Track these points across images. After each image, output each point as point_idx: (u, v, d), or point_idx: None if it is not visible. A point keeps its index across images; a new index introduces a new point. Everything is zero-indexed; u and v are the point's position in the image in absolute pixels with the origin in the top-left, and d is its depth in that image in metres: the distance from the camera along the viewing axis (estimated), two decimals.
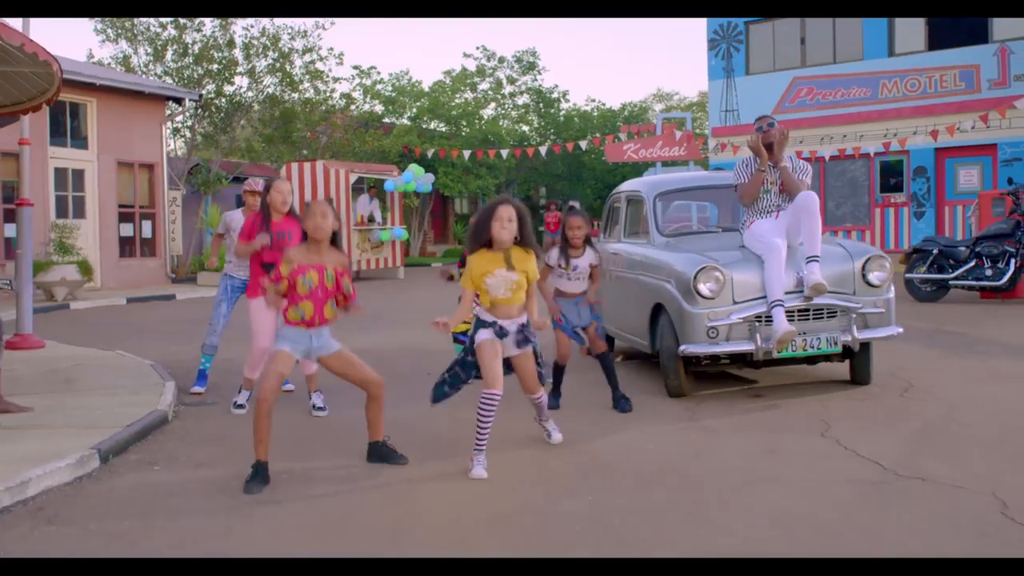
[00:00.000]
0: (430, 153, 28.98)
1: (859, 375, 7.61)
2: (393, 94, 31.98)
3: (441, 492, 5.02)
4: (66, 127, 19.67)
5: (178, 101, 21.99)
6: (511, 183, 34.19)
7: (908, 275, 14.16)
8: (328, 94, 27.11)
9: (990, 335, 10.32)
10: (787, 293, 7.05)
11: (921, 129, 22.19)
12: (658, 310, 7.59)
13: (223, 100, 24.49)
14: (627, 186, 9.23)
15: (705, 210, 11.27)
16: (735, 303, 7.09)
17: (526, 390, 5.70)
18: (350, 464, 5.59)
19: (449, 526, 4.49)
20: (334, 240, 5.38)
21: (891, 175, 23.47)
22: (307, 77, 25.62)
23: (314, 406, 7.11)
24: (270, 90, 25.07)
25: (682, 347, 7.11)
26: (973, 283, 13.52)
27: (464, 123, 32.56)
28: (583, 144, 27.64)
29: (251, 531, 4.45)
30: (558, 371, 7.27)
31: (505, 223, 5.25)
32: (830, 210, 24.37)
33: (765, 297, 7.05)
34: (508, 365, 5.53)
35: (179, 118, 24.59)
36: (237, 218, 7.89)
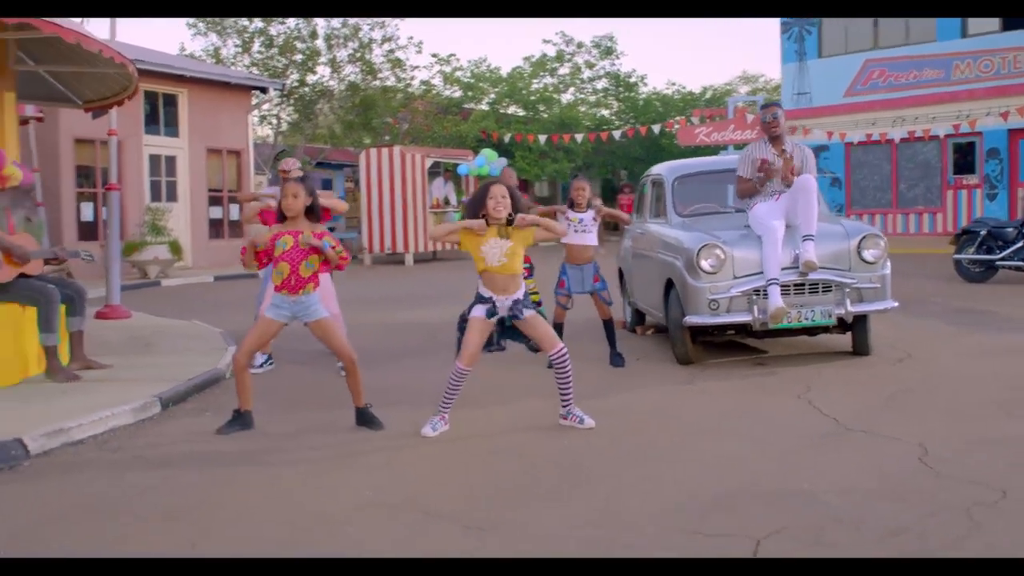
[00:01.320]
0: (507, 138, 29.75)
1: (859, 346, 8.12)
2: (472, 80, 32.83)
3: (441, 449, 5.79)
4: (159, 117, 21.03)
5: (263, 90, 23.22)
6: (589, 166, 34.76)
7: (957, 256, 14.38)
8: (408, 81, 28.10)
9: (1019, 313, 10.61)
10: (784, 269, 7.62)
11: (994, 110, 22.07)
12: (671, 285, 8.23)
13: (306, 89, 25.65)
14: (653, 170, 9.86)
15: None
16: (735, 278, 7.69)
17: (544, 349, 5.89)
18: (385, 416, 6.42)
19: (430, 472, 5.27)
20: (311, 213, 6.04)
21: (963, 156, 23.38)
22: (387, 65, 26.61)
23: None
24: (351, 78, 26.13)
25: (686, 318, 7.75)
26: (1020, 263, 13.69)
27: (543, 107, 33.26)
28: (656, 128, 28.06)
29: (263, 464, 5.30)
30: (557, 330, 8.08)
31: (499, 199, 5.83)
32: (901, 192, 24.40)
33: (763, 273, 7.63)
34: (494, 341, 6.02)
35: (265, 106, 25.85)
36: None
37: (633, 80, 35.90)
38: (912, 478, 4.65)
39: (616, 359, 8.16)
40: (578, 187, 8.15)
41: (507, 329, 5.99)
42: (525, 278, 8.91)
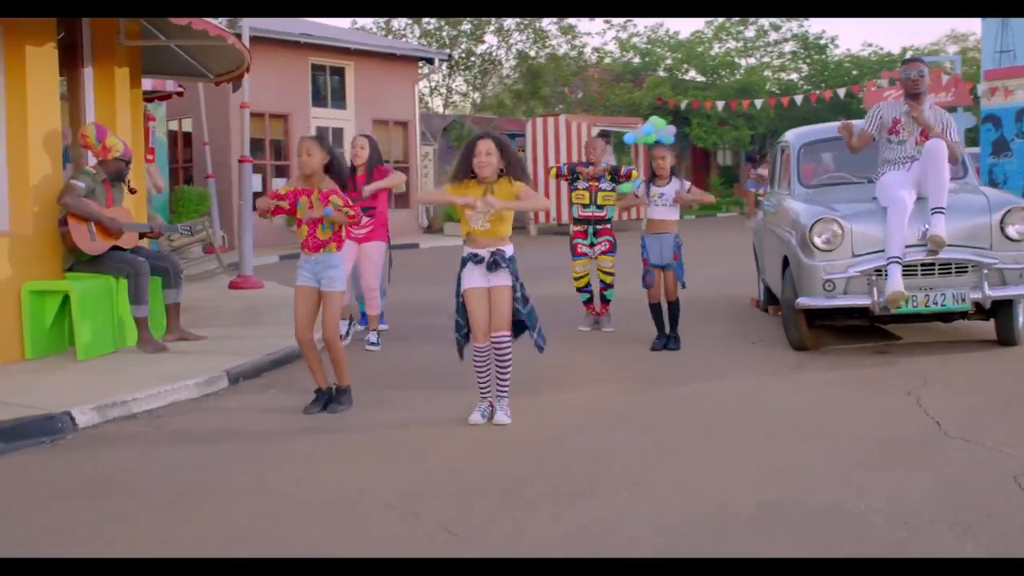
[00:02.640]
0: (683, 105, 28.76)
1: (1004, 335, 7.14)
2: (648, 46, 31.92)
3: (479, 436, 5.41)
4: (326, 90, 21.47)
5: (429, 61, 23.30)
6: (774, 133, 33.16)
7: None
8: (580, 49, 27.60)
9: None
10: (912, 247, 6.75)
11: None
12: (787, 263, 7.50)
13: (475, 59, 25.61)
14: (784, 136, 9.04)
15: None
16: (854, 256, 6.89)
17: (491, 327, 5.34)
18: (426, 397, 6.12)
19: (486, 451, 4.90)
20: (330, 170, 5.77)
21: None
22: (558, 32, 26.20)
23: (367, 341, 7.85)
24: (519, 46, 25.89)
25: (799, 299, 7.02)
26: None
27: (725, 72, 31.96)
28: (841, 92, 26.37)
29: (313, 451, 5.09)
30: (655, 310, 7.70)
31: (483, 157, 5.26)
32: None
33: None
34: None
35: (436, 77, 26.00)
36: None
37: (823, 42, 33.92)
38: (997, 503, 3.90)
39: (672, 341, 7.66)
40: (659, 156, 7.59)
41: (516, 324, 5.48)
42: (606, 253, 8.61)
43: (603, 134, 23.53)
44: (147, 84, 11.60)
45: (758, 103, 27.61)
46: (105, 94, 8.17)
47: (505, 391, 5.50)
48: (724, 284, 11.46)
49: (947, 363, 6.66)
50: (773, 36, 33.50)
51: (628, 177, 8.47)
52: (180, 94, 13.39)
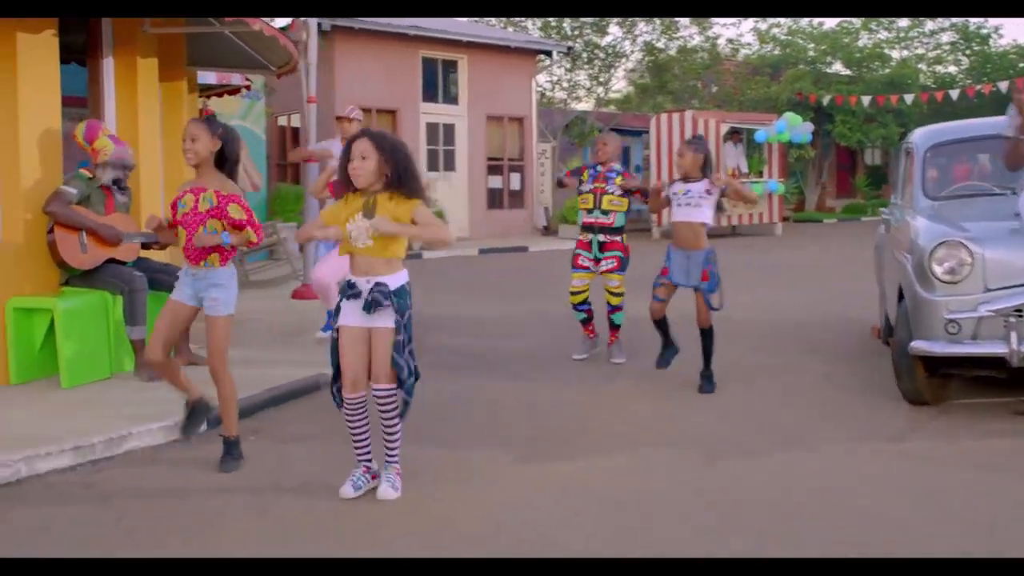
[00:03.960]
0: (825, 100, 26.69)
1: None
2: (788, 37, 29.85)
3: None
4: (438, 84, 20.60)
5: (548, 54, 22.17)
6: None
7: None
8: (713, 40, 25.94)
9: None
10: None
11: None
12: (903, 294, 6.04)
13: (599, 51, 24.34)
14: (911, 136, 7.48)
15: None
16: (988, 290, 5.40)
17: (370, 376, 4.29)
18: (442, 454, 5.00)
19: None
20: (222, 164, 4.73)
21: None
22: (687, 23, 24.64)
23: None
24: (644, 37, 24.46)
25: (913, 343, 5.56)
26: None
27: (876, 64, 29.59)
28: (1003, 86, 23.87)
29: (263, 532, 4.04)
30: (660, 324, 6.53)
31: (357, 162, 4.18)
32: None
33: None
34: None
35: (558, 71, 24.86)
36: (335, 148, 7.76)
37: (985, 31, 31.07)
38: None
39: (704, 383, 6.38)
40: (680, 153, 6.30)
41: None
42: (612, 271, 7.29)
43: (734, 131, 22.07)
44: (211, 77, 10.89)
45: (908, 98, 25.34)
46: (127, 87, 7.39)
47: (394, 456, 4.40)
48: (847, 305, 9.90)
49: None
50: (929, 25, 30.89)
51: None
52: (247, 87, 12.69)
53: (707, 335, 6.37)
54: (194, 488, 4.52)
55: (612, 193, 7.23)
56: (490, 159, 21.36)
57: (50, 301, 6.24)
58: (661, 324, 6.54)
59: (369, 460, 4.44)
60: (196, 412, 5.11)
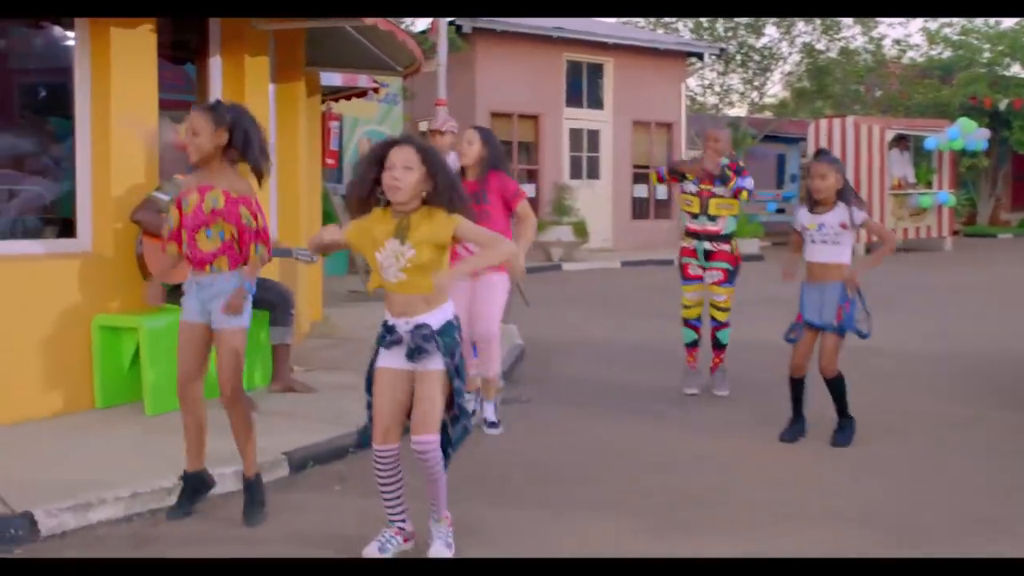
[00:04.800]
0: (1002, 105, 24.56)
1: None
2: (962, 38, 27.69)
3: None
4: (582, 88, 19.81)
5: (699, 56, 21.10)
6: None
7: None
8: (878, 41, 24.28)
9: None
10: None
11: None
12: None
13: (753, 53, 23.09)
14: None
15: None
16: None
17: (411, 428, 3.64)
18: (551, 526, 4.17)
19: None
20: (229, 154, 4.06)
21: None
22: (851, 23, 23.10)
23: (485, 420, 5.74)
24: (803, 38, 23.06)
25: None
26: None
27: None
28: None
29: None
30: (796, 387, 5.43)
31: (398, 172, 3.47)
32: None
33: None
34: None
35: (712, 74, 23.73)
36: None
37: None
38: None
39: (838, 433, 5.38)
40: (817, 174, 5.18)
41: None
42: (720, 284, 6.35)
43: (900, 138, 20.44)
44: (336, 79, 10.42)
45: None
46: (234, 87, 6.88)
47: (441, 509, 3.74)
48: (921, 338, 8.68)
49: None
50: None
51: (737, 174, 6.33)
52: (375, 89, 12.19)
53: (835, 385, 5.34)
54: (260, 547, 3.84)
55: (720, 195, 6.33)
56: (636, 167, 20.42)
57: (135, 320, 5.73)
58: (797, 388, 5.45)
59: (404, 521, 3.78)
60: (196, 486, 4.31)
